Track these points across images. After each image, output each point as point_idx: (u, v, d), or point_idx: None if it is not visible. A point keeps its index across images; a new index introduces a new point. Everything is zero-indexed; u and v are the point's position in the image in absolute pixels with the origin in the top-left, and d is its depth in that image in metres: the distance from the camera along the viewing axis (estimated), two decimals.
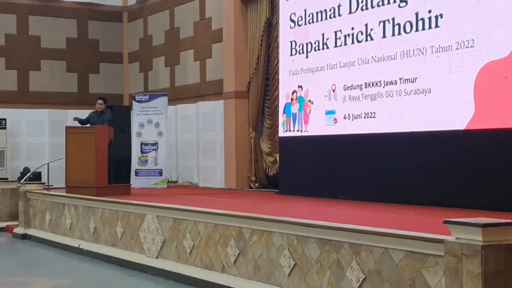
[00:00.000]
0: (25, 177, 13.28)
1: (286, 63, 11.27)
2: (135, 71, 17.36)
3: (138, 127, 13.86)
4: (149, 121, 13.80)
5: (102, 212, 9.58)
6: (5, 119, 15.84)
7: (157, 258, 8.26)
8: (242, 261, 6.86)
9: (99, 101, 11.47)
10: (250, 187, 13.07)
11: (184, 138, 15.06)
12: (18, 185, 12.43)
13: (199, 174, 14.46)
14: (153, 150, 13.74)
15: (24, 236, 11.63)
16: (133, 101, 14.10)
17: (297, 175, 10.97)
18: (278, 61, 11.92)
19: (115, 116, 11.98)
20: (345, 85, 9.93)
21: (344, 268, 5.65)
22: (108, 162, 10.80)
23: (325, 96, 10.32)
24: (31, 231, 11.62)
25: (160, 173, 13.65)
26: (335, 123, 10.11)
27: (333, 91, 10.17)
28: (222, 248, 7.14)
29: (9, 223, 12.54)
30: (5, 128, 15.83)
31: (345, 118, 9.91)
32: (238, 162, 13.18)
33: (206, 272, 7.33)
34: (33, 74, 16.61)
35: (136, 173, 13.71)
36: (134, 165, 13.74)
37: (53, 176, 12.82)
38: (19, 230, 11.84)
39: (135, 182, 13.32)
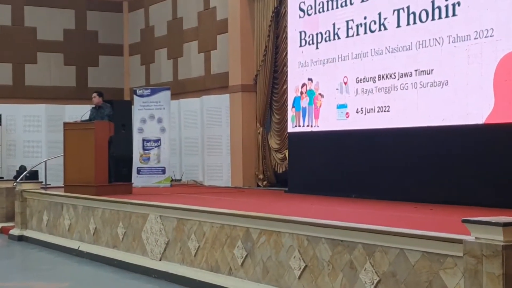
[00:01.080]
0: (21, 176, 13.34)
1: (295, 54, 11.26)
2: (136, 64, 17.39)
3: (139, 123, 13.89)
4: (151, 117, 13.84)
5: (103, 212, 9.61)
6: (0, 115, 15.87)
7: (160, 260, 8.28)
8: (249, 263, 6.87)
9: (93, 95, 11.50)
10: (258, 186, 13.08)
11: (188, 134, 15.08)
12: (14, 184, 12.47)
13: (204, 172, 14.49)
14: (156, 147, 13.77)
15: (21, 238, 11.66)
16: (134, 96, 14.13)
17: (307, 172, 10.97)
18: (286, 53, 11.91)
19: (116, 112, 12.01)
20: (357, 78, 9.92)
21: (357, 270, 5.65)
22: (108, 160, 10.84)
23: (337, 89, 10.31)
24: (28, 233, 11.66)
25: (163, 171, 13.68)
26: (347, 117, 10.10)
27: (345, 83, 10.16)
28: (229, 249, 7.15)
29: (5, 224, 12.58)
30: (0, 124, 15.84)
31: (357, 112, 9.90)
32: (245, 159, 13.19)
33: (212, 275, 7.35)
34: (29, 67, 16.66)
35: (138, 171, 13.75)
36: (136, 162, 13.77)
37: (50, 175, 12.85)
38: (16, 232, 11.88)
39: (137, 180, 13.35)
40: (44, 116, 16.37)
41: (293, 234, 6.33)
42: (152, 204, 8.65)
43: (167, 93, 13.90)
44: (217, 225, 7.35)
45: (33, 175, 14.05)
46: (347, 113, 10.10)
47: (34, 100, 16.35)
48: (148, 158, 13.77)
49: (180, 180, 14.78)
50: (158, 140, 13.78)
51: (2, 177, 14.73)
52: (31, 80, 16.62)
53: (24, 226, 11.82)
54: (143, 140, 13.85)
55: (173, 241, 8.06)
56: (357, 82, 9.92)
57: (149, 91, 14.04)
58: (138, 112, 13.95)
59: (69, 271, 9.08)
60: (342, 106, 10.20)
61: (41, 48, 16.76)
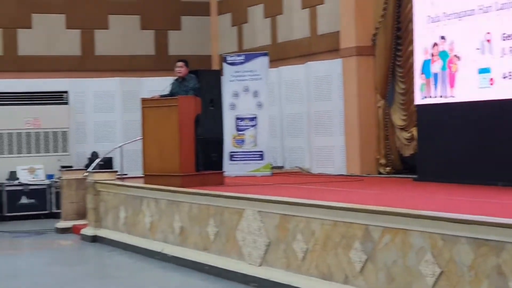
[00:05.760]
0: (93, 164, 13.69)
1: (422, 7, 11.10)
2: (226, 25, 17.56)
3: (231, 98, 14.04)
4: (246, 89, 13.95)
5: (190, 207, 9.81)
6: (66, 92, 16.18)
7: (260, 265, 8.39)
8: (370, 269, 6.87)
9: (179, 64, 11.61)
10: (380, 173, 13.01)
11: (291, 110, 15.14)
12: (85, 174, 12.87)
13: (311, 157, 14.52)
14: (251, 126, 13.89)
15: (95, 239, 12.08)
16: (224, 64, 14.28)
17: (441, 155, 10.84)
18: (412, 5, 11.75)
19: (202, 84, 12.16)
20: (504, 34, 9.70)
21: (507, 277, 5.57)
22: (195, 144, 11.00)
23: (478, 49, 10.12)
24: (103, 232, 12.05)
25: (261, 157, 13.78)
26: (492, 84, 9.91)
27: (488, 42, 9.96)
28: (344, 252, 7.17)
29: (76, 222, 13.05)
30: (67, 103, 16.13)
31: (505, 77, 9.70)
32: (362, 140, 13.13)
33: (324, 284, 7.39)
34: (100, 33, 17.03)
35: (231, 157, 13.92)
36: (228, 146, 13.94)
37: (127, 163, 13.20)
38: (88, 231, 12.30)
39: (230, 168, 13.52)
40: (119, 91, 16.67)
41: (424, 233, 6.29)
42: (249, 197, 8.75)
43: (265, 60, 13.96)
44: (329, 223, 7.38)
45: (107, 164, 14.39)
46: (491, 79, 9.91)
47: (106, 73, 16.65)
48: (243, 141, 13.89)
49: (282, 167, 14.87)
50: (254, 118, 13.88)
51: (71, 166, 15.16)
52: (102, 49, 16.99)
53: (98, 224, 12.21)
54: (236, 119, 13.98)
55: (275, 242, 8.15)
56: (504, 40, 9.70)
57: (243, 57, 14.14)
58: (230, 84, 14.09)
59: (152, 279, 9.32)
60: (485, 71, 10.01)
61: (113, 10, 17.09)
